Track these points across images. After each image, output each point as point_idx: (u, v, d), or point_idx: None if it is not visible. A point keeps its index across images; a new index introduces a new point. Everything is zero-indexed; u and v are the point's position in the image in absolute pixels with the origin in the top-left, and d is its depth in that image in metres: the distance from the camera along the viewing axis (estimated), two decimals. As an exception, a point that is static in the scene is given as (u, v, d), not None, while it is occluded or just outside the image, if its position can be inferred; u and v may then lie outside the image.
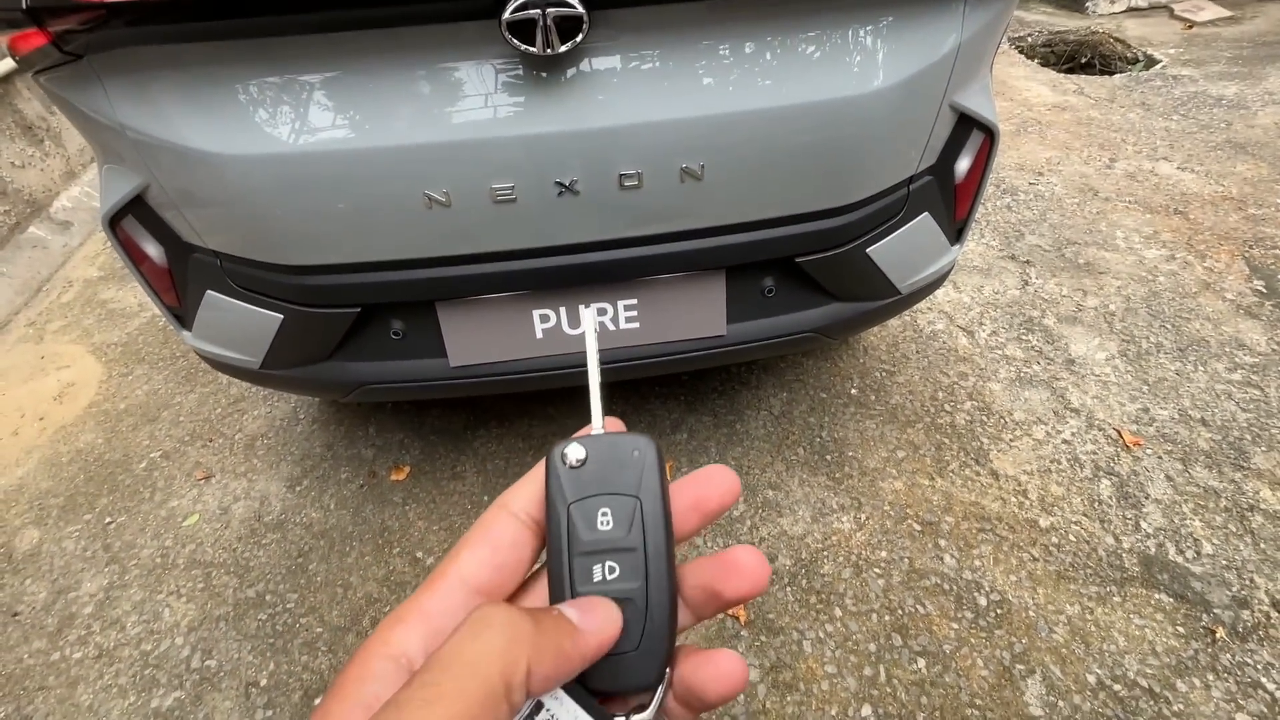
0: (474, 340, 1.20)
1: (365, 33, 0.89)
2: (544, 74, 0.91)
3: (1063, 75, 3.85)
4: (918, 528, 1.60)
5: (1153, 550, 1.52)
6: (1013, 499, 1.65)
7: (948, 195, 1.26)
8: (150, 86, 0.93)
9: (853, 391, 1.96)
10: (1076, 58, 4.04)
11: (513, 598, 0.25)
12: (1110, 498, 1.63)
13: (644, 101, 0.94)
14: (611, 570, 0.24)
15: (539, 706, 0.22)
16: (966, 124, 1.17)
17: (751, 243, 1.12)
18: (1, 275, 2.60)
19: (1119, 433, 1.78)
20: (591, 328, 0.29)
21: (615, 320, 1.20)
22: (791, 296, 1.26)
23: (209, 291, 1.17)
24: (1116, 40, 4.08)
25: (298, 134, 0.93)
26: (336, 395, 1.32)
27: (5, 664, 1.48)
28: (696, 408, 1.93)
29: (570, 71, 0.92)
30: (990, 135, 1.20)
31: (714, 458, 1.80)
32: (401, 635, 0.22)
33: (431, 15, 0.86)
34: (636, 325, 1.21)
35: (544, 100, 0.93)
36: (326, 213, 0.99)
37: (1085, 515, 1.60)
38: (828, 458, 1.78)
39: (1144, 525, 1.57)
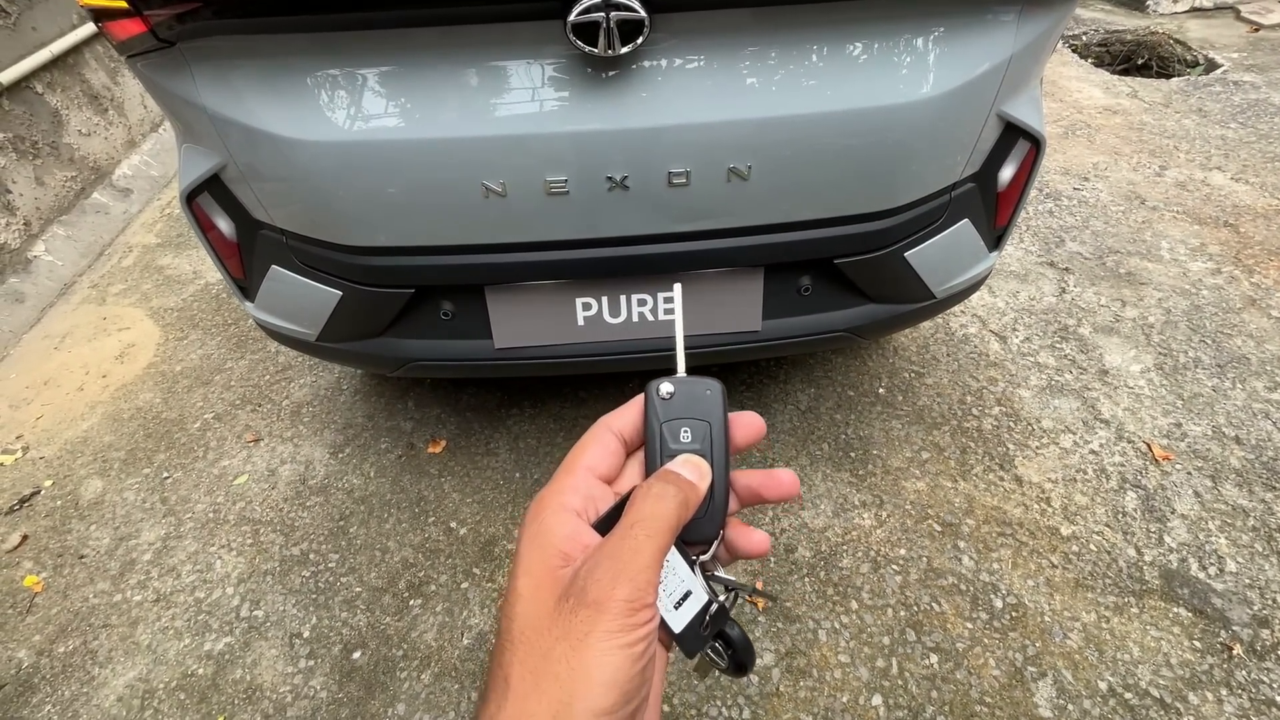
0: (519, 324, 1.26)
1: (432, 29, 0.93)
2: (602, 74, 0.95)
3: (1117, 77, 3.75)
4: (938, 528, 1.63)
5: (1175, 565, 1.53)
6: (1035, 506, 1.66)
7: (989, 202, 1.27)
8: (233, 74, 0.99)
9: (880, 391, 1.98)
10: (1133, 59, 3.92)
11: (614, 481, 0.37)
12: (1135, 510, 1.64)
13: (695, 102, 0.98)
14: None
15: None
16: (1013, 133, 1.18)
17: (792, 243, 1.15)
18: (67, 239, 2.74)
19: (1149, 446, 1.78)
20: (679, 296, 0.41)
21: (654, 311, 1.25)
22: (827, 296, 1.29)
23: (274, 266, 1.24)
24: (1177, 42, 3.94)
25: (365, 123, 0.98)
26: (386, 370, 1.39)
27: (73, 602, 1.60)
28: (738, 368, 1.97)
29: (626, 72, 0.95)
30: (1036, 145, 1.21)
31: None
32: (570, 499, 0.34)
33: (498, 15, 0.91)
34: (647, 318, 1.25)
35: (600, 98, 0.97)
36: (388, 198, 1.04)
37: (1108, 526, 1.61)
38: (852, 455, 1.81)
39: (1168, 539, 1.58)
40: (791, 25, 0.95)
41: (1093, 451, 1.78)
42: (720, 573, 0.37)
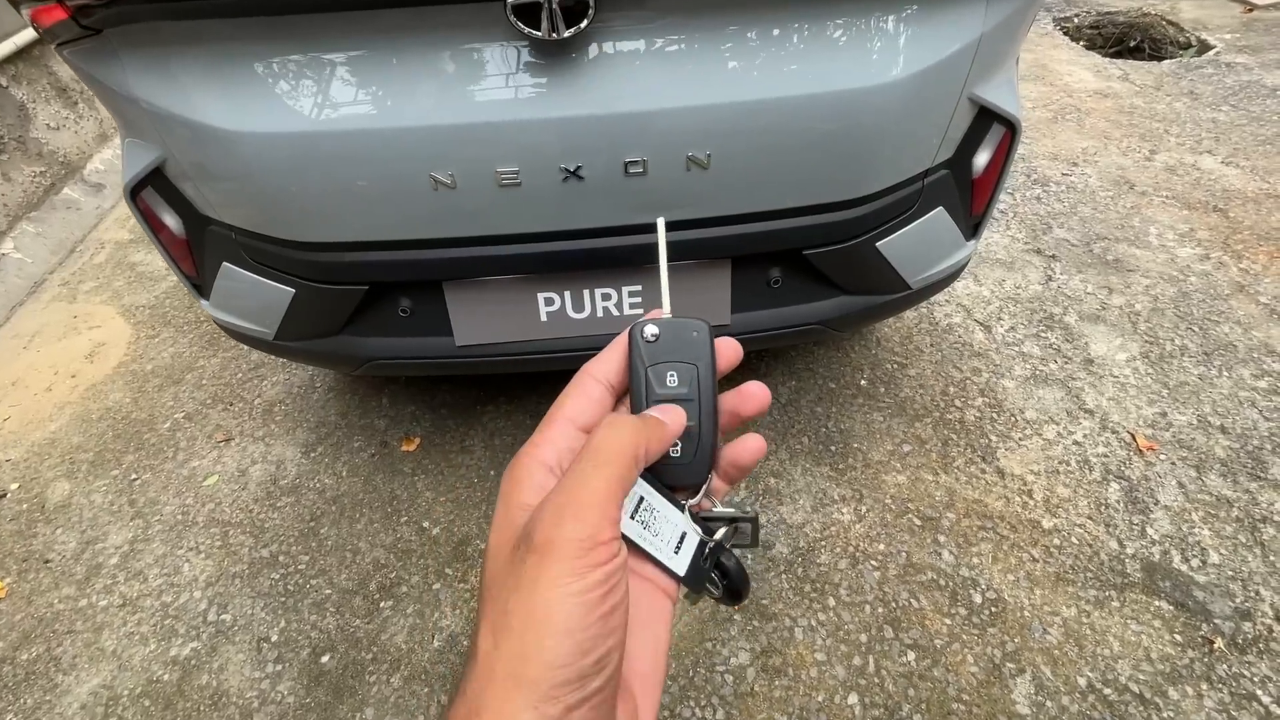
0: (479, 321, 1.22)
1: (373, 13, 0.89)
2: (549, 58, 0.91)
3: (1108, 60, 3.69)
4: (918, 522, 1.60)
5: (1157, 557, 1.50)
6: (1017, 499, 1.63)
7: (964, 189, 1.23)
8: (167, 62, 0.95)
9: (862, 383, 1.95)
10: (1125, 41, 3.86)
11: None
12: (1118, 502, 1.61)
13: (649, 87, 0.93)
14: None
15: (640, 500, 0.33)
16: (986, 117, 1.14)
17: (758, 233, 1.11)
18: (37, 236, 2.68)
19: (1133, 436, 1.75)
20: (662, 230, 0.39)
21: (619, 305, 1.21)
22: (798, 288, 1.26)
23: (225, 263, 1.20)
24: (1169, 23, 3.89)
25: (307, 113, 0.94)
26: (347, 369, 1.36)
27: (37, 608, 1.57)
28: None
29: (576, 56, 0.91)
30: (1011, 129, 1.17)
31: (718, 443, 1.80)
32: (544, 452, 0.32)
33: (437, -3, 0.86)
34: (641, 311, 1.22)
35: (549, 84, 0.92)
36: (335, 192, 1.00)
37: (1090, 519, 1.58)
38: (832, 448, 1.78)
39: (1150, 532, 1.55)
40: (749, 4, 0.91)
41: (1076, 443, 1.75)
42: (717, 508, 0.36)
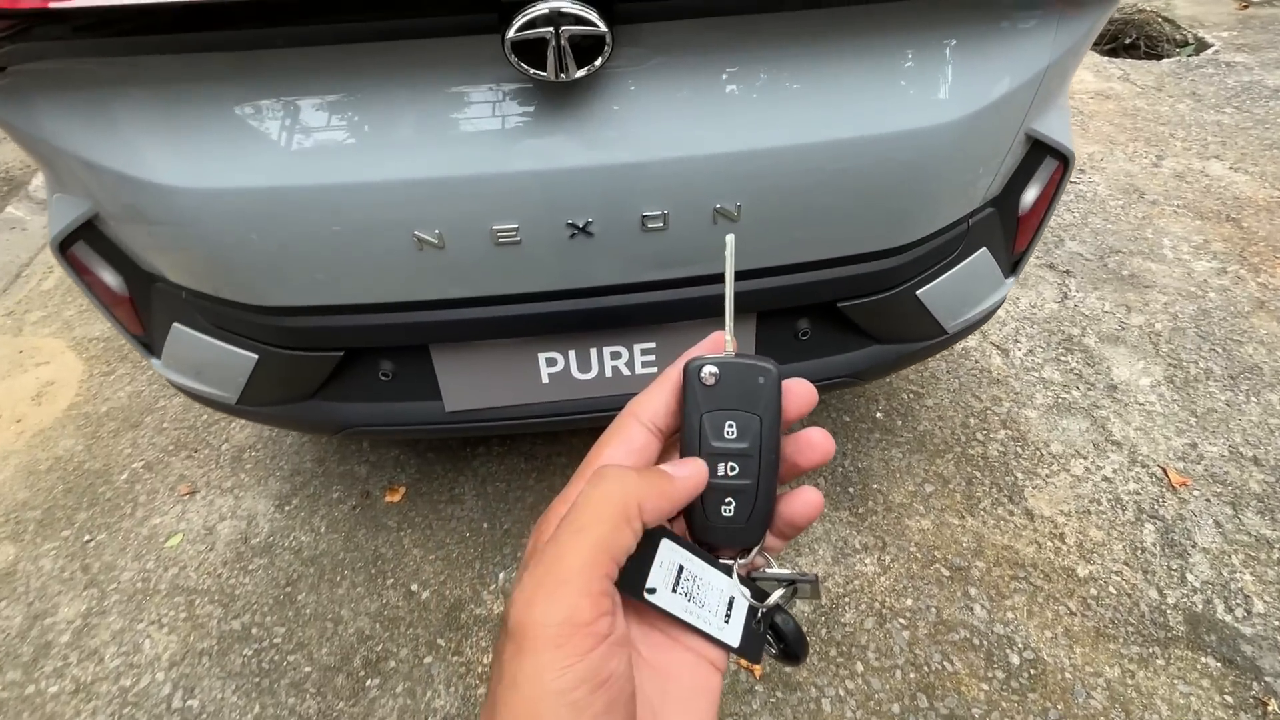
0: (472, 384, 1.08)
1: (345, 48, 0.74)
2: (555, 101, 0.77)
3: (1105, 58, 3.61)
4: (946, 573, 1.50)
5: (1199, 607, 1.42)
6: (1049, 543, 1.54)
7: (1009, 227, 1.12)
8: (94, 105, 0.79)
9: (878, 415, 1.83)
10: (1120, 38, 3.78)
11: None
12: (1154, 545, 1.52)
13: (674, 133, 0.80)
14: (732, 469, 0.31)
15: (680, 569, 0.30)
16: (1039, 151, 1.02)
17: (788, 287, 0.98)
18: (-21, 259, 2.47)
19: (1164, 470, 1.66)
20: (730, 251, 0.33)
21: (631, 364, 1.08)
22: (827, 340, 1.13)
23: (175, 324, 1.04)
24: (1164, 20, 3.82)
25: (268, 165, 0.79)
26: (323, 433, 1.20)
27: (-23, 697, 1.40)
28: None
29: (587, 98, 0.77)
30: (1064, 162, 1.05)
31: (729, 486, 1.68)
32: (562, 510, 0.27)
33: (421, 29, 0.72)
34: (654, 370, 1.08)
35: (555, 130, 0.78)
36: (302, 253, 0.85)
37: (1127, 565, 1.49)
38: (850, 490, 1.67)
39: (1190, 578, 1.46)
40: (787, 38, 0.78)
41: (1105, 479, 1.66)
42: (771, 567, 0.33)
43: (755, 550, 0.32)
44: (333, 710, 1.35)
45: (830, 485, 1.68)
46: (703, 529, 0.31)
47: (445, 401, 1.09)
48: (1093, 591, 1.45)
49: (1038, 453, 1.72)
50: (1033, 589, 1.46)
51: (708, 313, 1.00)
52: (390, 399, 1.11)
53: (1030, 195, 1.08)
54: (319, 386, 1.09)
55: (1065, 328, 2.05)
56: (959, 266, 1.09)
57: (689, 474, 0.29)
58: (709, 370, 0.31)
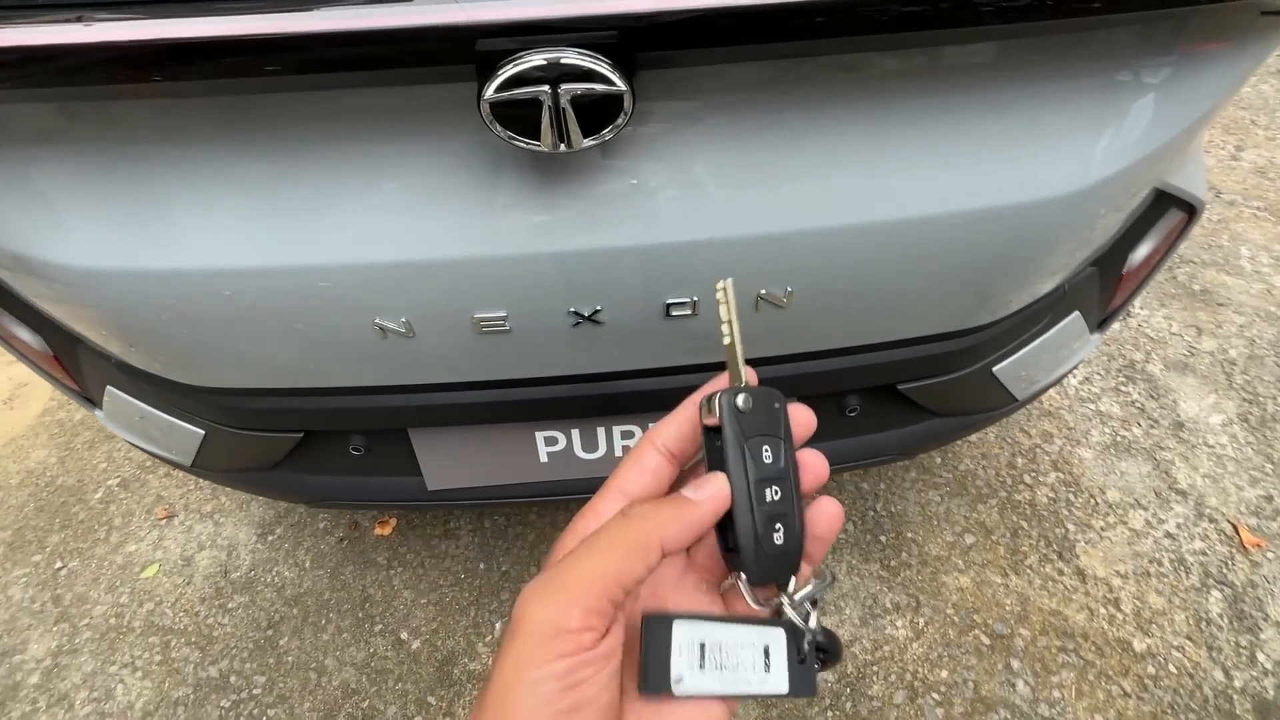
0: (457, 463, 0.92)
1: (282, 97, 0.55)
2: (555, 169, 0.58)
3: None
4: (986, 641, 1.36)
5: (1270, 693, 1.27)
6: (1102, 610, 1.39)
7: (1108, 285, 0.92)
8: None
9: (915, 451, 1.66)
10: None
11: None
12: (1221, 616, 1.37)
13: (711, 210, 0.61)
14: (775, 493, 0.31)
15: (702, 646, 0.29)
16: (1163, 202, 0.82)
17: (840, 370, 0.81)
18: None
19: (1235, 527, 1.49)
20: (731, 295, 0.34)
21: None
22: (879, 416, 0.96)
23: (110, 387, 0.89)
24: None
25: (189, 242, 0.61)
26: (293, 503, 1.06)
27: (-58, 743, 1.32)
28: None
29: (597, 164, 0.58)
30: (1191, 213, 0.85)
31: (748, 529, 1.53)
32: (589, 524, 0.31)
33: (383, 75, 0.52)
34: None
35: (555, 206, 0.59)
36: (233, 340, 0.68)
37: (1189, 639, 1.34)
38: (882, 539, 1.51)
39: (1260, 658, 1.31)
40: (861, 92, 0.57)
41: (1168, 534, 1.49)
42: (800, 592, 0.32)
43: (792, 582, 0.32)
44: (315, 775, 1.25)
45: (860, 532, 1.53)
46: (756, 561, 0.31)
47: (427, 480, 0.94)
48: (1150, 670, 1.31)
49: (1092, 501, 1.56)
50: (1083, 664, 1.32)
51: None
52: (364, 473, 0.96)
53: (1143, 251, 0.88)
54: (283, 459, 0.94)
55: (1127, 351, 1.85)
56: (1045, 336, 0.90)
57: (710, 493, 0.30)
58: (743, 400, 0.31)
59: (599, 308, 0.66)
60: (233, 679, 1.37)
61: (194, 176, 0.58)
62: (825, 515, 0.33)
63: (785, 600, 0.31)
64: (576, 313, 0.66)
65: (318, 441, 0.91)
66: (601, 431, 0.89)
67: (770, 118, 0.58)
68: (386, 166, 0.58)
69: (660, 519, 0.28)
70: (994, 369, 0.89)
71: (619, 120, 0.50)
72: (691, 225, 0.60)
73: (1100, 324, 1.03)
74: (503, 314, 0.65)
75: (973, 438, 1.68)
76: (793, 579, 0.31)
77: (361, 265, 0.61)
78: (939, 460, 1.64)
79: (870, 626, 1.39)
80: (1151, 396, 1.74)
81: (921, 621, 1.39)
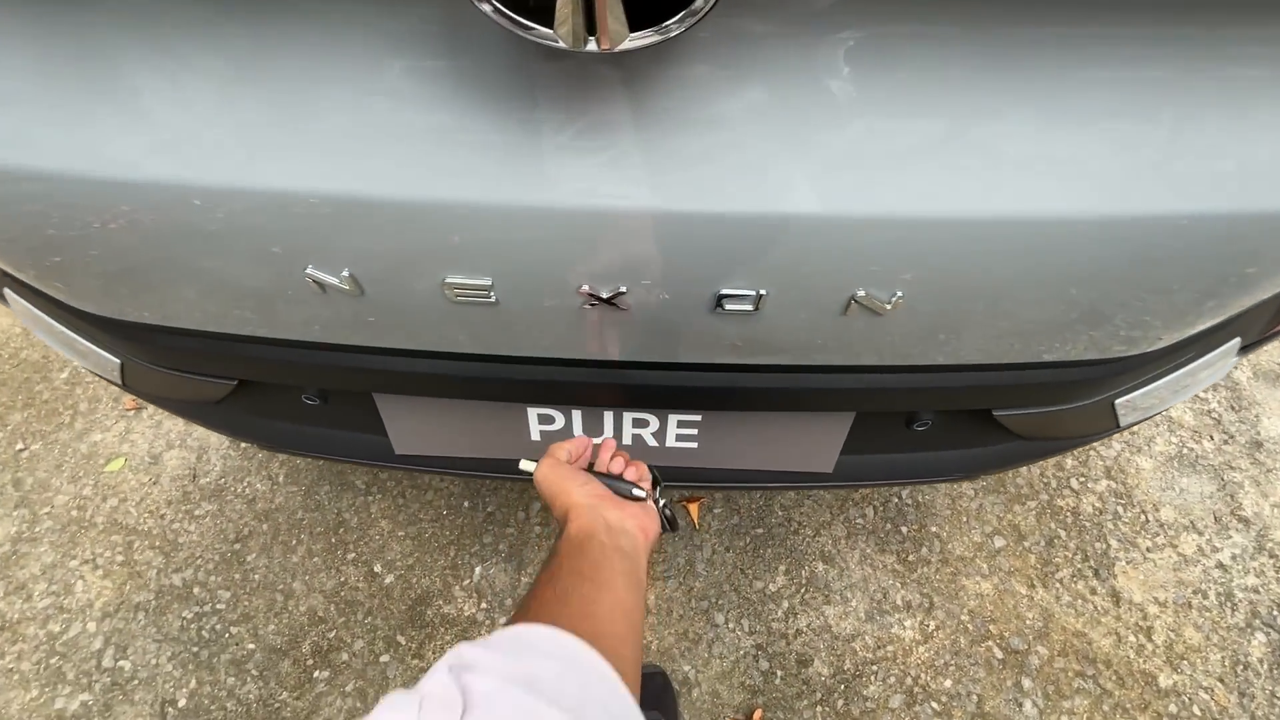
0: (431, 430, 0.76)
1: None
2: (578, 83, 0.36)
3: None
4: (999, 654, 1.25)
5: (1299, 750, 1.17)
6: (1131, 638, 1.27)
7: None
8: None
9: (955, 437, 1.50)
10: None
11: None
12: (1261, 662, 1.25)
13: (806, 170, 0.40)
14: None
15: None
16: None
17: (927, 390, 0.62)
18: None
19: (1297, 567, 1.34)
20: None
21: (661, 435, 0.74)
22: (951, 433, 0.78)
23: (8, 290, 0.71)
24: None
25: (81, 142, 0.41)
26: (250, 444, 0.92)
27: (-103, 618, 1.27)
28: None
29: (641, 84, 0.37)
30: None
31: (757, 500, 1.41)
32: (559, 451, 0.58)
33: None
34: (693, 445, 0.75)
35: (576, 136, 0.38)
36: (141, 272, 0.50)
37: (1221, 681, 1.23)
38: (903, 529, 1.38)
39: (1296, 712, 1.20)
40: (1055, 34, 0.35)
41: (1220, 565, 1.35)
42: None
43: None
44: (275, 699, 1.20)
45: (880, 519, 1.39)
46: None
47: (393, 443, 0.78)
48: (1172, 708, 1.20)
49: (1143, 516, 1.40)
50: (1100, 692, 1.22)
51: (800, 406, 0.65)
52: (322, 425, 0.80)
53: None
54: (223, 398, 0.77)
55: (1213, 351, 1.62)
56: (1192, 365, 0.70)
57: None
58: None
59: (622, 289, 0.46)
60: (196, 590, 1.30)
61: (99, 62, 0.38)
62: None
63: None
64: (592, 294, 0.46)
65: (262, 386, 0.74)
66: (609, 416, 0.72)
67: (926, 56, 0.36)
68: (333, 60, 0.38)
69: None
70: (1116, 401, 0.70)
71: (695, 5, 0.28)
72: (777, 192, 0.39)
73: (1250, 346, 0.83)
74: (486, 282, 0.46)
75: (1022, 430, 1.50)
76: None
77: (283, 194, 0.41)
78: (980, 451, 1.48)
79: (875, 623, 1.28)
80: (1232, 408, 1.54)
81: (932, 624, 1.28)
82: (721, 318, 0.49)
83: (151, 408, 1.51)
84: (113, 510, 1.39)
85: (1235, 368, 1.60)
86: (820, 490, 1.07)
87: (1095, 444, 1.49)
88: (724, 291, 0.46)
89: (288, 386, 0.75)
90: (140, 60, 0.40)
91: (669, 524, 0.56)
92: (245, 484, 1.42)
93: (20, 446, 1.47)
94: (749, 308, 0.47)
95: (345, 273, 0.46)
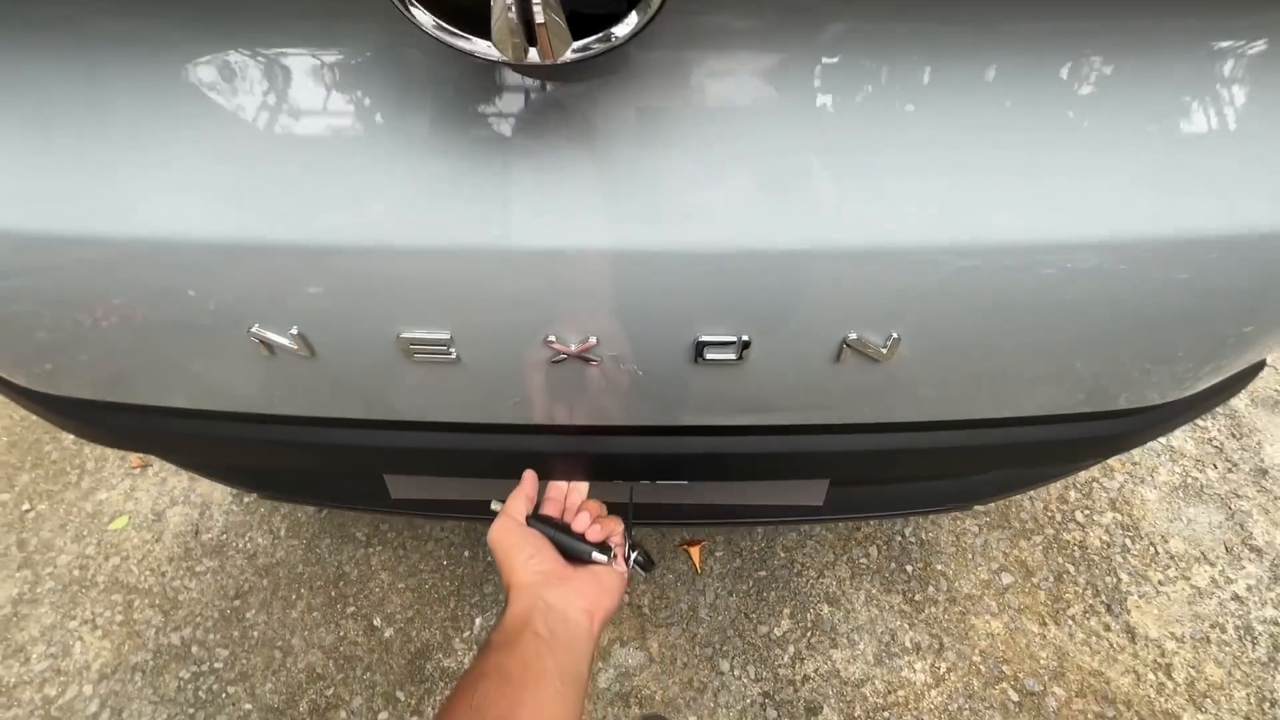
0: (425, 481, 0.77)
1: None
2: (524, 106, 0.39)
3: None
4: (1015, 697, 1.21)
5: (1337, 793, 1.12)
6: (1150, 676, 1.23)
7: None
8: None
9: (955, 472, 1.49)
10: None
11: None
12: (1288, 698, 1.20)
13: (789, 197, 0.42)
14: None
15: None
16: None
17: (925, 451, 0.61)
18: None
19: (1315, 597, 1.31)
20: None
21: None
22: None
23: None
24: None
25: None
26: (241, 490, 0.93)
27: (-105, 684, 1.26)
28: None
29: (589, 101, 0.39)
30: None
31: (759, 542, 1.39)
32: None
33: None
34: (684, 483, 0.76)
35: (521, 175, 0.41)
36: (65, 335, 0.52)
37: (1249, 720, 1.18)
38: (908, 568, 1.36)
39: (1330, 751, 1.15)
40: (1054, 32, 0.38)
41: (1236, 597, 1.31)
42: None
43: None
44: (271, 763, 1.17)
45: (884, 559, 1.37)
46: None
47: (390, 488, 0.79)
48: (1199, 751, 1.16)
49: (1152, 549, 1.38)
50: (1122, 735, 1.17)
51: (790, 474, 0.65)
52: (322, 474, 0.81)
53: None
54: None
55: (1210, 379, 1.63)
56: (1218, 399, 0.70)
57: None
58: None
59: (592, 339, 0.48)
60: (194, 649, 1.29)
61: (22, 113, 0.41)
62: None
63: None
64: (558, 347, 0.49)
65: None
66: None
67: (912, 59, 0.38)
68: (243, 87, 0.39)
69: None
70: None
71: (646, 6, 0.31)
72: (754, 223, 0.42)
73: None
74: (445, 336, 0.48)
75: (1022, 463, 1.50)
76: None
77: (219, 244, 0.42)
78: (981, 485, 1.47)
79: (885, 666, 1.25)
80: (1233, 435, 1.53)
81: (943, 667, 1.25)
82: (704, 370, 0.50)
83: (157, 464, 1.53)
84: (114, 569, 1.39)
85: (1233, 395, 1.60)
86: (814, 523, 1.05)
87: (1098, 475, 1.48)
88: (703, 338, 0.48)
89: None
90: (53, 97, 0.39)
91: (643, 567, 0.54)
92: (247, 539, 1.43)
93: (27, 507, 1.48)
94: (730, 356, 0.49)
95: (293, 330, 0.46)
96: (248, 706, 1.23)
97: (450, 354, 0.48)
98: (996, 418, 0.57)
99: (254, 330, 0.47)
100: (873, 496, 0.80)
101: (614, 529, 0.56)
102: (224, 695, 1.24)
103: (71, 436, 1.59)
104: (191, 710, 1.22)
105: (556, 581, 0.45)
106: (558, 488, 0.60)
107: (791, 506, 0.79)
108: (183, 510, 1.47)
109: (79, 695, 1.24)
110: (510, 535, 0.48)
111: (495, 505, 0.55)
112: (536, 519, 0.55)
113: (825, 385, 0.52)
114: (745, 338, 0.47)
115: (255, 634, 1.31)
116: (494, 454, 0.60)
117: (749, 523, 0.86)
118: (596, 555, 0.48)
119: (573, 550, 0.50)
